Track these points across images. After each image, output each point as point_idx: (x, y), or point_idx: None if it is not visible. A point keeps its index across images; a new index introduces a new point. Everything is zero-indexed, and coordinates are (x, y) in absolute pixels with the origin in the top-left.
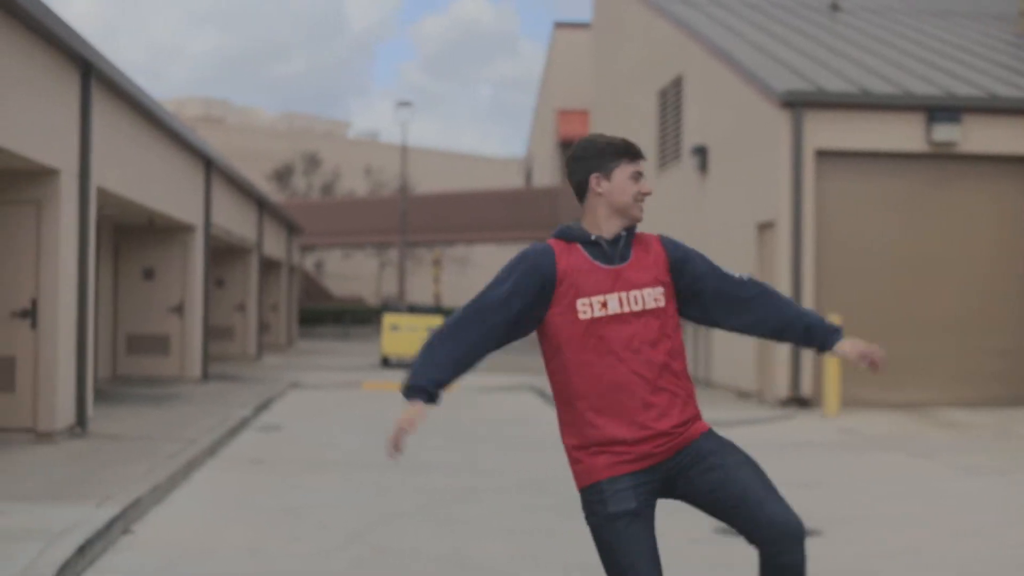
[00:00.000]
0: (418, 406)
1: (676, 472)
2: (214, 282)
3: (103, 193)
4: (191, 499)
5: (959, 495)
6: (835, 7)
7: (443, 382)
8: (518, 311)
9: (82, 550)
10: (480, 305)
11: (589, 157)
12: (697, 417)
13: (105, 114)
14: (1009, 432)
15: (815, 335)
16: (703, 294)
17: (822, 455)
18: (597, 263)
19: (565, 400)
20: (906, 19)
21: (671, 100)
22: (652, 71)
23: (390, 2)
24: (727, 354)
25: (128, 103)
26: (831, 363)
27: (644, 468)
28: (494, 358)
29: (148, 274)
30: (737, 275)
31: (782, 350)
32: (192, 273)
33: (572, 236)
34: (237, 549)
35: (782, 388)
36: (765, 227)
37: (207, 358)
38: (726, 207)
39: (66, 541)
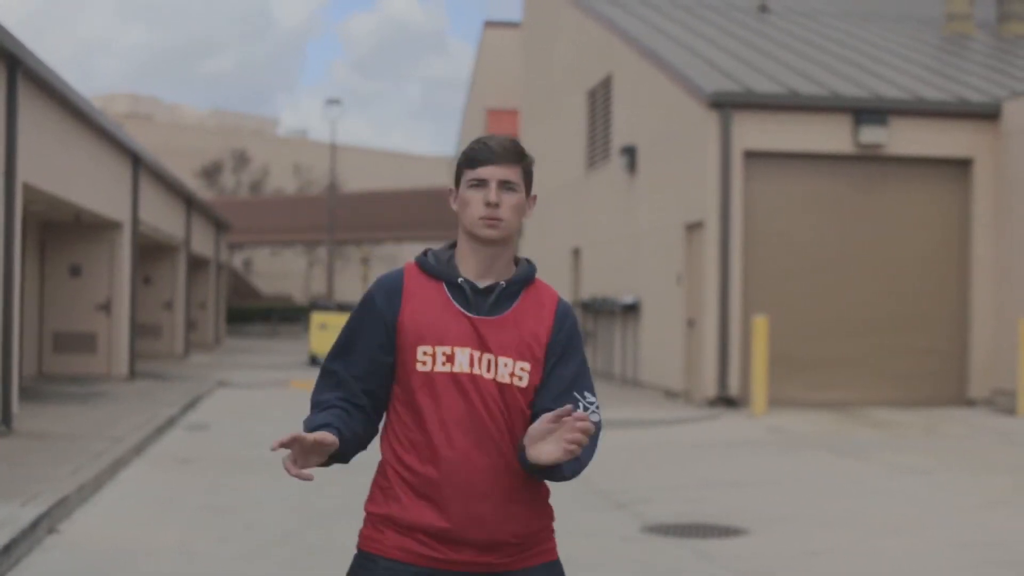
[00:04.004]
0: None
1: None
2: (141, 280)
3: (29, 189)
4: (118, 498)
5: (886, 494)
6: (764, 9)
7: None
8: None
9: (7, 549)
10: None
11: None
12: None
13: (31, 109)
14: (936, 431)
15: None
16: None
17: (750, 454)
18: (455, 305)
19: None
20: (834, 21)
21: (600, 100)
22: (581, 71)
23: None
24: (655, 354)
25: (55, 99)
26: (758, 362)
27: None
28: None
29: (75, 271)
30: (589, 402)
31: (709, 350)
32: (119, 270)
33: (434, 272)
34: (165, 549)
35: (709, 388)
36: (693, 227)
37: (134, 356)
38: (655, 207)
39: None
